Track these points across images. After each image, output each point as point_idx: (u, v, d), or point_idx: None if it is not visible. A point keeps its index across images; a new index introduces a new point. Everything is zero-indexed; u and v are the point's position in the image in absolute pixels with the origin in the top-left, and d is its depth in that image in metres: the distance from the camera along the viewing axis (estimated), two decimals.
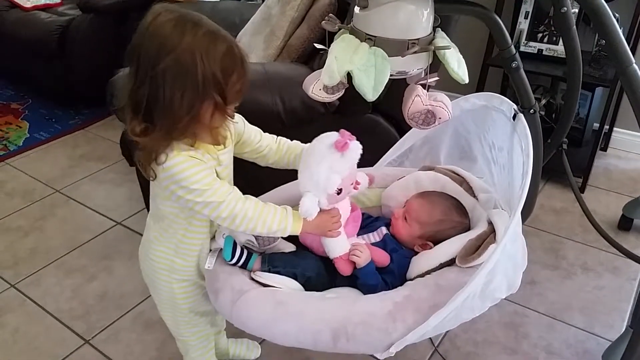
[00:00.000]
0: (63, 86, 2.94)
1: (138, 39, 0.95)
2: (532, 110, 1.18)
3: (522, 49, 2.35)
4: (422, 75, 1.01)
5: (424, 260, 1.15)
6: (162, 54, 0.92)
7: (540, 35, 2.32)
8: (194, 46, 0.93)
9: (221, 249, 1.13)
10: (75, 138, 2.79)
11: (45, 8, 3.02)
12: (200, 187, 1.00)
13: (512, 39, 2.34)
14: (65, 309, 1.76)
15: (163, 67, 0.92)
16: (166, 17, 0.94)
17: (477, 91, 1.31)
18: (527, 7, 2.32)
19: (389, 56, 0.91)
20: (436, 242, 1.19)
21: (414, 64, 0.95)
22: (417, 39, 0.92)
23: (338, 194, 1.08)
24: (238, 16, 2.22)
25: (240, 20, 2.18)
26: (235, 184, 1.11)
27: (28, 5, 3.01)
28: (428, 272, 1.12)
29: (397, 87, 1.07)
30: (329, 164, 1.05)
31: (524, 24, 2.33)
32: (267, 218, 1.06)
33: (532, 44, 2.33)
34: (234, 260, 1.12)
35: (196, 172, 1.00)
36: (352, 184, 1.12)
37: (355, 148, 1.07)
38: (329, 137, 1.07)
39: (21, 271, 1.92)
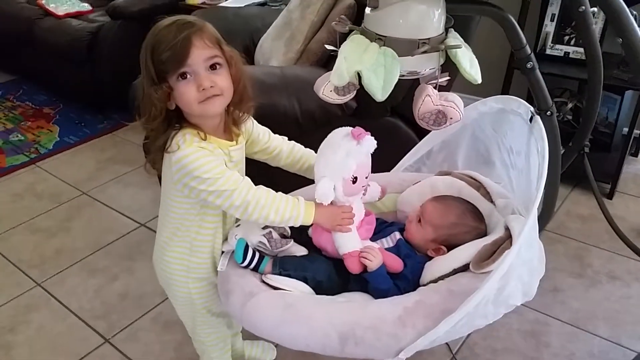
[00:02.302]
0: (92, 90, 3.02)
1: None
2: (548, 112, 1.15)
3: (548, 51, 2.30)
4: (435, 75, 0.99)
5: (437, 266, 1.13)
6: (143, 48, 1.01)
7: (566, 37, 2.27)
8: (149, 39, 1.01)
9: (233, 251, 1.14)
10: (102, 142, 2.86)
11: (77, 15, 3.12)
12: (212, 175, 1.02)
13: (537, 42, 2.32)
14: (88, 308, 1.80)
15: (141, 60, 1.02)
16: (166, 21, 1.01)
17: (502, 94, 1.29)
18: (553, 9, 2.27)
19: (399, 56, 0.90)
20: (450, 248, 1.16)
21: (424, 64, 0.94)
22: (428, 39, 0.91)
23: (353, 182, 1.08)
24: (260, 21, 2.23)
25: (262, 25, 2.19)
26: None
27: (61, 13, 3.11)
28: (441, 278, 1.10)
29: None
30: (345, 150, 1.07)
31: (550, 27, 2.29)
32: (280, 205, 1.07)
33: (558, 46, 2.28)
34: (246, 263, 1.12)
35: (207, 161, 1.03)
36: (366, 177, 1.12)
37: (370, 140, 1.09)
38: (344, 129, 1.10)
39: (47, 270, 1.97)
